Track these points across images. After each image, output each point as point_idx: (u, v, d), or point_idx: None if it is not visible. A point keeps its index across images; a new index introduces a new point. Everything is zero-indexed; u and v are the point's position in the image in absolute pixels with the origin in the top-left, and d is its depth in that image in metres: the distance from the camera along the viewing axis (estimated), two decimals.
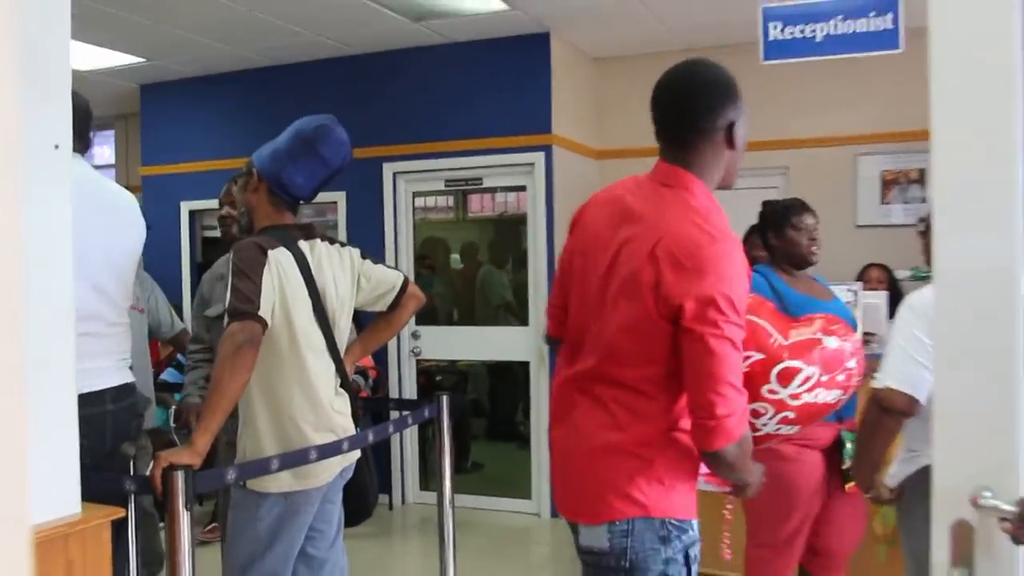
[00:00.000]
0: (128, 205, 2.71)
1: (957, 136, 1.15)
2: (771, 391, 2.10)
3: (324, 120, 2.62)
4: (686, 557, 1.86)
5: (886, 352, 2.40)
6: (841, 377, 2.18)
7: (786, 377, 2.09)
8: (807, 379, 2.10)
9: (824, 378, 2.13)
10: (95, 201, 2.52)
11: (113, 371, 2.55)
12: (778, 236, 2.99)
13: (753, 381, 2.04)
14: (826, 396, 2.18)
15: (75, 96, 2.57)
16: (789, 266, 2.99)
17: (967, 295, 1.14)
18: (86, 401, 2.34)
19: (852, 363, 2.23)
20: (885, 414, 2.35)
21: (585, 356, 1.92)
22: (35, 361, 1.64)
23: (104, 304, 2.51)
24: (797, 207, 3.02)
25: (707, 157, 1.86)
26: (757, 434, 2.10)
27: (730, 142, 1.86)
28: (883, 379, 2.36)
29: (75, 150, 2.54)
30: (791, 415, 2.13)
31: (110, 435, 2.51)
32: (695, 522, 1.89)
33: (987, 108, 1.14)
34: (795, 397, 2.09)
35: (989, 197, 1.12)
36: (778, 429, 2.16)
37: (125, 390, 2.59)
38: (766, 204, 3.12)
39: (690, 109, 1.86)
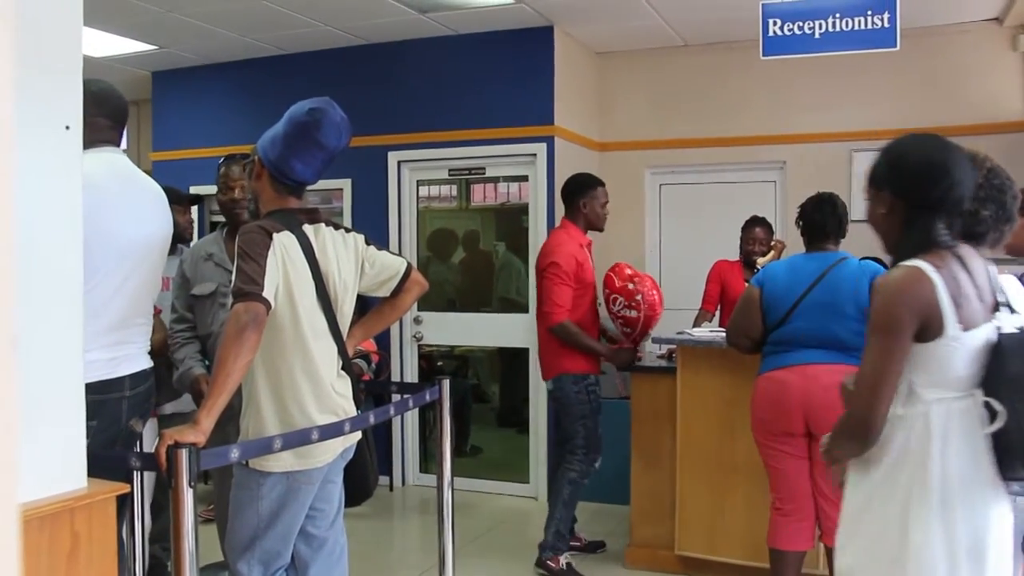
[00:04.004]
0: (156, 197, 2.76)
1: None
2: (613, 301, 4.31)
3: (318, 104, 2.55)
4: (587, 392, 4.27)
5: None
6: (634, 314, 4.24)
7: (613, 302, 4.27)
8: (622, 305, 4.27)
9: (624, 305, 4.29)
10: (121, 193, 2.59)
11: (131, 359, 2.59)
12: None
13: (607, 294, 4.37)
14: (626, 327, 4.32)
15: (113, 95, 2.69)
16: None
17: None
18: (104, 388, 2.41)
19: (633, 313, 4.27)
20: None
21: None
22: (42, 341, 1.64)
23: (126, 298, 2.56)
24: None
25: (577, 215, 4.30)
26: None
27: (584, 207, 4.28)
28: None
29: (110, 141, 2.65)
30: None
31: (125, 420, 2.56)
32: (591, 375, 4.29)
33: None
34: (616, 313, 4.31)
35: None
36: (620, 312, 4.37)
37: (142, 376, 2.64)
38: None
39: (571, 193, 4.32)
